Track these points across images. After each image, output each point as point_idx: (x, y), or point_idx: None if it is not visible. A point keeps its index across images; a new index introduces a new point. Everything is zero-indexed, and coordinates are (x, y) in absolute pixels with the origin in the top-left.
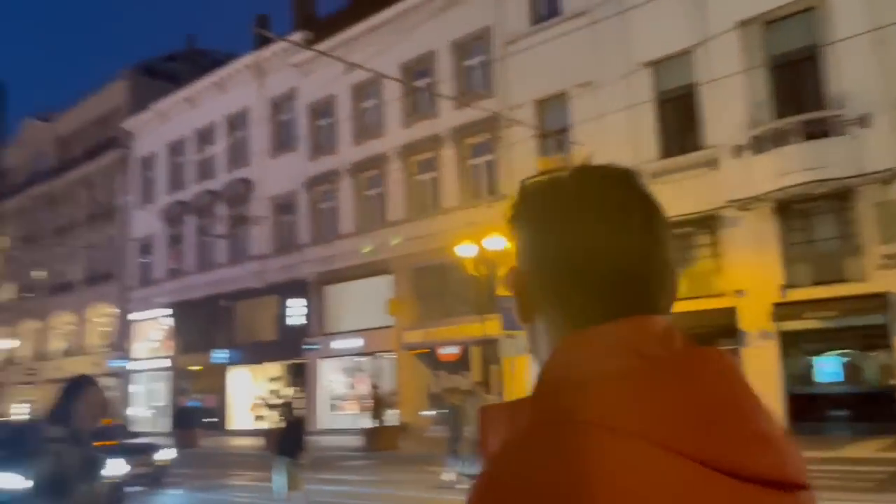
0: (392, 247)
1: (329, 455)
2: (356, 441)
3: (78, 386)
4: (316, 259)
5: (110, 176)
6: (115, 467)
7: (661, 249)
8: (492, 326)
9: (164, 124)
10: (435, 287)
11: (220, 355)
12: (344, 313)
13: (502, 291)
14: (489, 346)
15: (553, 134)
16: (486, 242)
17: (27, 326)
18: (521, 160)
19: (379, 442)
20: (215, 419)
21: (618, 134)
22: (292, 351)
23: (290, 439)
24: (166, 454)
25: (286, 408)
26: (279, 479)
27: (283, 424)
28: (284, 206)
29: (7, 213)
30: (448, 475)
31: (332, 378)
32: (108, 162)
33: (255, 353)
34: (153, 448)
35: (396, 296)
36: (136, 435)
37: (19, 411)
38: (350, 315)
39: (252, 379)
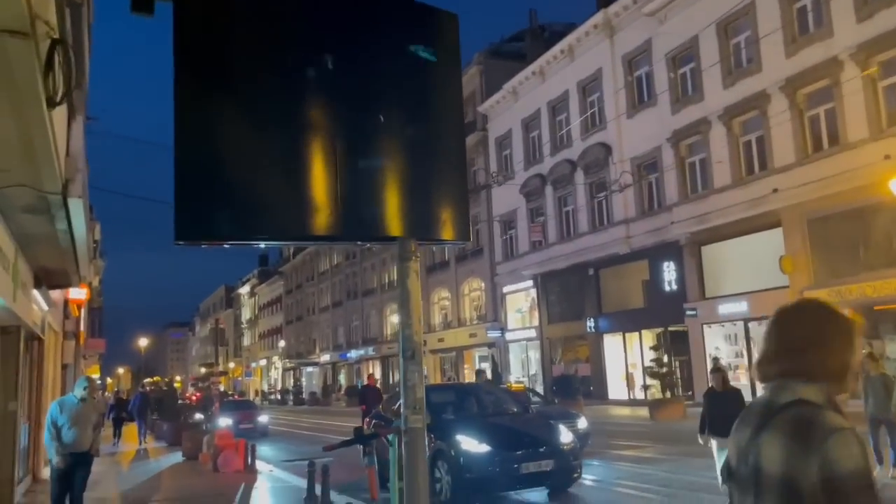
0: (780, 196)
1: None
2: None
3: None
4: (687, 218)
5: (471, 158)
6: (567, 435)
7: None
8: None
9: (516, 102)
10: (841, 238)
11: (592, 323)
12: (725, 275)
13: None
14: None
15: None
16: None
17: None
18: None
19: None
20: (590, 388)
21: None
22: (667, 317)
23: (723, 414)
24: (583, 423)
25: (718, 374)
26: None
27: (710, 396)
28: (647, 166)
29: None
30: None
31: (716, 345)
32: (468, 145)
33: (625, 321)
34: (577, 416)
35: (789, 251)
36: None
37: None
38: (732, 276)
39: (625, 347)
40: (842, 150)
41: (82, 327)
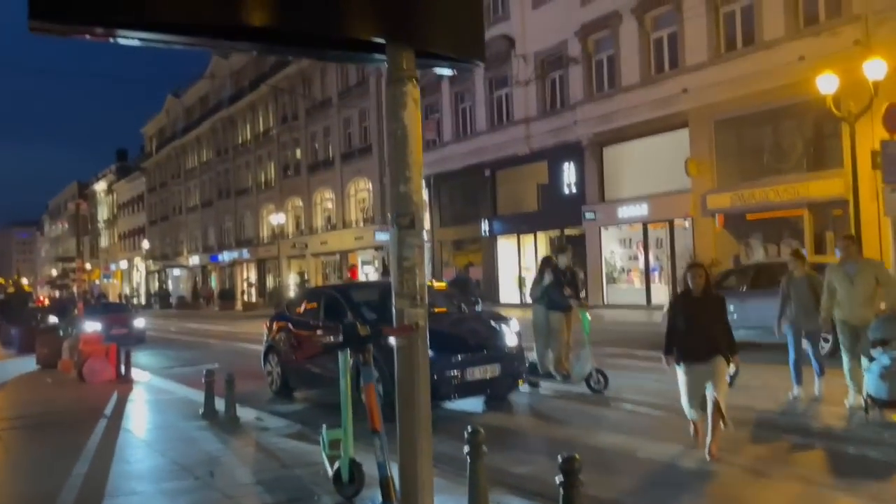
0: (690, 96)
1: (619, 331)
2: (642, 315)
3: None
4: (591, 118)
5: None
6: (512, 338)
7: None
8: (835, 185)
9: None
10: (746, 141)
11: (486, 226)
12: (626, 177)
13: (887, 133)
14: (825, 209)
15: None
16: (869, 68)
17: (292, 203)
18: None
19: None
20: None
21: None
22: (564, 220)
23: (701, 329)
24: (515, 325)
25: (697, 271)
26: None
27: (684, 302)
28: (552, 62)
29: (264, 97)
30: (795, 391)
31: (612, 249)
32: None
33: (520, 223)
34: (508, 319)
35: (694, 154)
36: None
37: (294, 280)
38: (633, 179)
39: (519, 250)
40: (756, 49)
41: None
